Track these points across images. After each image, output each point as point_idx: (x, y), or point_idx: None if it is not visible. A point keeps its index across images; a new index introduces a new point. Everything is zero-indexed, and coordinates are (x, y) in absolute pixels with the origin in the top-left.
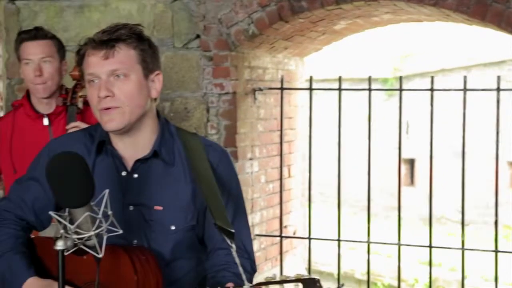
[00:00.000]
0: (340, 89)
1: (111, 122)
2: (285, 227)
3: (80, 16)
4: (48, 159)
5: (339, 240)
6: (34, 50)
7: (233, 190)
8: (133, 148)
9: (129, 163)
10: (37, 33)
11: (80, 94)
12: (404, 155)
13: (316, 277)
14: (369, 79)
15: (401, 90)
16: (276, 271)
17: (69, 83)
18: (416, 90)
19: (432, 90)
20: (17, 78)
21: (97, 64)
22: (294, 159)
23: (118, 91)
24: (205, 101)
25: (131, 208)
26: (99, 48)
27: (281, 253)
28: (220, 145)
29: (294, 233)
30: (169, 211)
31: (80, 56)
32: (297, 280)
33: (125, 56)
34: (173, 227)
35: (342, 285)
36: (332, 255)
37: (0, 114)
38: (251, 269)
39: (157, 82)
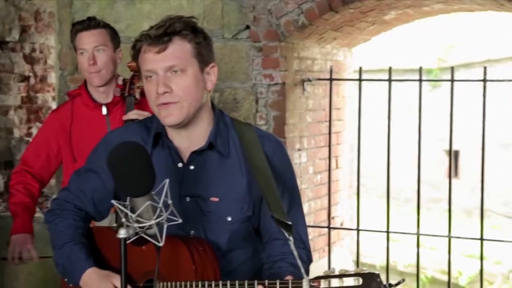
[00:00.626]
0: (390, 80)
1: (169, 117)
2: (333, 218)
3: (131, 7)
4: (105, 151)
5: (388, 232)
6: (88, 40)
7: (288, 180)
8: (189, 140)
9: (185, 155)
10: (90, 23)
11: (137, 85)
12: (448, 147)
13: (376, 271)
14: (420, 70)
15: (452, 81)
16: (324, 262)
17: (126, 73)
18: (468, 81)
19: (484, 80)
20: (70, 69)
21: (153, 60)
22: (341, 150)
23: (175, 87)
24: (254, 92)
25: (187, 199)
26: (154, 44)
27: (329, 244)
28: (275, 136)
29: (341, 224)
30: (225, 202)
31: (136, 51)
32: (356, 274)
33: (181, 50)
34: (229, 218)
35: (403, 280)
36: (374, 246)
37: (53, 104)
38: (308, 259)
39: (212, 75)
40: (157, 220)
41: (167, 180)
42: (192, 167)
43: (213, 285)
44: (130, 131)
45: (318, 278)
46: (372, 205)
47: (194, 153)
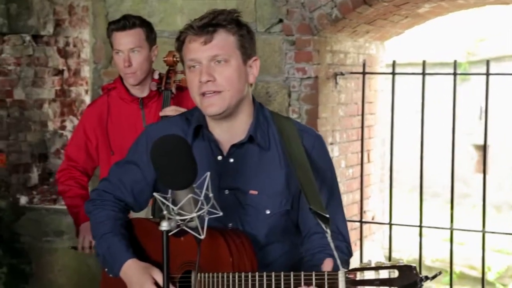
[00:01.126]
0: (423, 74)
1: (211, 107)
2: (364, 212)
3: (164, 1)
4: (146, 143)
5: (420, 227)
6: (123, 41)
7: (327, 174)
8: (229, 132)
9: (225, 148)
10: (126, 23)
11: (173, 79)
12: (477, 141)
13: (413, 264)
14: (455, 64)
15: (488, 74)
16: (355, 256)
17: (160, 67)
18: (505, 75)
19: None
20: (104, 63)
21: (198, 50)
22: (373, 144)
23: (219, 76)
24: (286, 86)
25: (226, 192)
26: (199, 34)
27: (361, 239)
28: (314, 130)
29: (372, 219)
30: (264, 195)
31: (180, 42)
32: (393, 267)
33: (225, 41)
34: (268, 212)
35: (440, 273)
36: (403, 240)
37: (86, 97)
38: (348, 252)
39: (254, 68)
40: (199, 213)
41: (208, 173)
42: (231, 160)
43: (249, 276)
44: (171, 123)
45: (354, 270)
46: (402, 199)
47: (234, 146)
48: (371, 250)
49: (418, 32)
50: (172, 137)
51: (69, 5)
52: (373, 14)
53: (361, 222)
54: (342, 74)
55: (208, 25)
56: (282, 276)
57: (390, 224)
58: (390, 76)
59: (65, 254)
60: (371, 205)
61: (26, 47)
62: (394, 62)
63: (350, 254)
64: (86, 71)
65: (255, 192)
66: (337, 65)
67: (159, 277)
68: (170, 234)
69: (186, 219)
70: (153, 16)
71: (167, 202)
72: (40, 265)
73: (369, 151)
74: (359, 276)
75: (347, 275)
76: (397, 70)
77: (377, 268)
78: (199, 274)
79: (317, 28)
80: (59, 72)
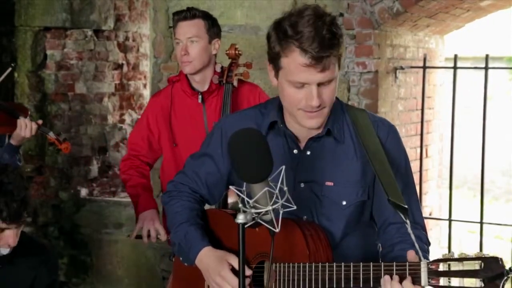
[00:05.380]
0: (486, 68)
1: (312, 122)
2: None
3: None
4: (220, 136)
5: (481, 223)
6: (182, 30)
7: (402, 164)
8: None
9: (302, 141)
10: (187, 14)
11: (235, 72)
12: None
13: (499, 256)
14: None
15: None
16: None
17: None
18: None
19: None
20: (163, 57)
21: (312, 75)
22: (431, 139)
23: (325, 96)
24: (346, 80)
25: (302, 185)
26: (316, 64)
27: None
28: (388, 120)
29: (430, 214)
30: (340, 186)
31: (290, 59)
32: (478, 258)
33: (334, 65)
34: (344, 202)
35: None
36: (458, 237)
37: (144, 91)
38: (427, 241)
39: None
40: (273, 206)
41: (283, 167)
42: (308, 153)
43: (327, 267)
44: (245, 116)
45: (438, 261)
46: (459, 195)
47: (311, 139)
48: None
49: (478, 26)
50: (249, 130)
51: (130, 0)
52: (435, 8)
53: None
54: (402, 68)
55: (325, 51)
56: (361, 266)
57: (450, 220)
58: (448, 70)
59: (124, 245)
60: (429, 200)
61: (87, 42)
62: (456, 56)
63: (429, 243)
64: (145, 65)
65: (331, 184)
66: (396, 59)
67: (236, 263)
68: (247, 226)
69: (261, 212)
70: (213, 10)
71: (242, 195)
72: (99, 256)
73: (427, 146)
74: (442, 267)
75: (429, 265)
76: (457, 64)
77: (461, 259)
78: (273, 264)
79: (378, 22)
80: (119, 66)
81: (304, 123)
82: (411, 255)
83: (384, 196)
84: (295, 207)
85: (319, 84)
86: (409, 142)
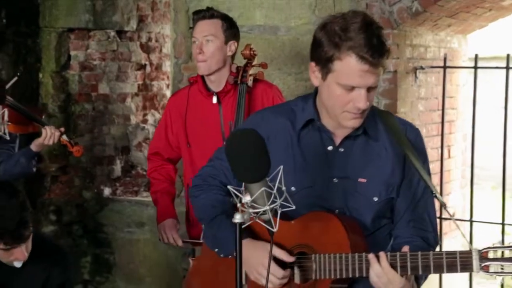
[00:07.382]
0: (507, 68)
1: (355, 122)
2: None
3: None
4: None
5: (503, 224)
6: (199, 29)
7: (426, 165)
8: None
9: (337, 139)
10: (205, 13)
11: (250, 72)
12: None
13: None
14: None
15: None
16: None
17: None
18: None
19: None
20: (184, 58)
21: (367, 78)
22: (454, 140)
23: (370, 99)
24: None
25: (335, 180)
26: (373, 69)
27: (440, 235)
28: (413, 123)
29: (452, 215)
30: (373, 183)
31: (344, 66)
32: None
33: (381, 71)
34: (375, 199)
35: None
36: (483, 239)
37: (167, 92)
38: (434, 242)
39: None
40: (271, 206)
41: (281, 167)
42: (342, 150)
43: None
44: (279, 112)
45: (488, 248)
46: (484, 196)
47: (347, 137)
48: (450, 247)
49: (503, 25)
50: (245, 131)
51: (152, 1)
52: (455, 7)
53: (441, 218)
54: (422, 68)
55: (380, 57)
56: (408, 256)
57: (471, 221)
58: (473, 70)
59: (146, 245)
60: (452, 201)
61: (110, 43)
62: (476, 56)
63: (436, 244)
64: (167, 66)
65: (364, 180)
66: (416, 59)
67: (277, 252)
68: (244, 226)
69: (259, 212)
70: (232, 11)
71: (240, 195)
72: (122, 255)
73: (449, 146)
74: (492, 255)
75: (481, 253)
76: (481, 64)
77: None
78: (314, 255)
79: (397, 22)
80: (142, 67)
81: (346, 123)
82: (405, 250)
83: (417, 195)
84: (293, 207)
85: (368, 88)
86: (430, 142)
